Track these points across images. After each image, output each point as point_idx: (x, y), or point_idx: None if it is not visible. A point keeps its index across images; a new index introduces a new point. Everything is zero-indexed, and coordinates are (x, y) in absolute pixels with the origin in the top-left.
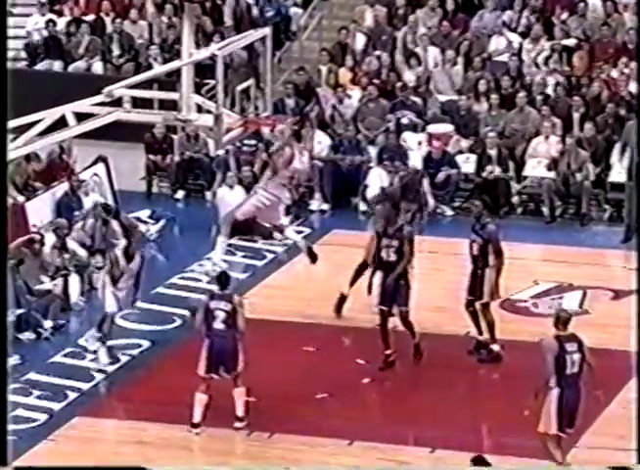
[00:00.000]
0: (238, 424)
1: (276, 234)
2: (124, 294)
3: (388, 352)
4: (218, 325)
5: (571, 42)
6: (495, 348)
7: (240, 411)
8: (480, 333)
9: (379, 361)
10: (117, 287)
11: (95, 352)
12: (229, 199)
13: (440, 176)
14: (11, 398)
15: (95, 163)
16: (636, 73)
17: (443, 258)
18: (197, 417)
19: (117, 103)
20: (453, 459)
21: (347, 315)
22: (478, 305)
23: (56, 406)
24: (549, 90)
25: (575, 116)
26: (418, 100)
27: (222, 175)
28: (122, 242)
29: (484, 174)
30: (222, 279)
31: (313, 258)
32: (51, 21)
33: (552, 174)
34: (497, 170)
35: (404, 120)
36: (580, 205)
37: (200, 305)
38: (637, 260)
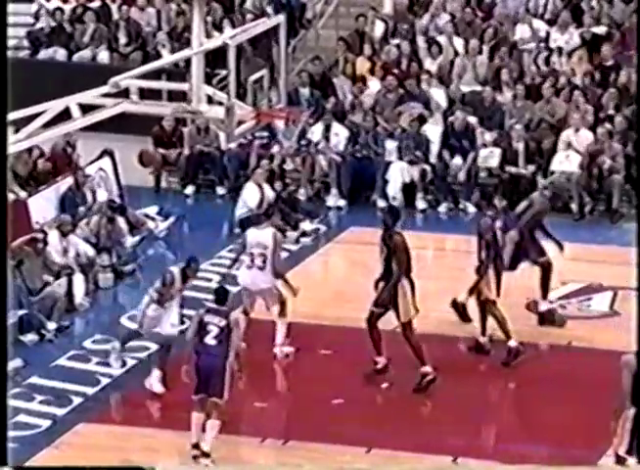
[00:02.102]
0: (203, 460)
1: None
2: (165, 314)
3: (378, 358)
4: (210, 341)
5: (600, 30)
6: (512, 344)
7: (207, 446)
8: (483, 333)
9: (398, 366)
10: (163, 306)
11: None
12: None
13: (462, 175)
14: (12, 403)
15: (101, 156)
16: None
17: (464, 256)
18: (194, 437)
19: (124, 94)
20: (476, 468)
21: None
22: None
23: (59, 412)
24: (577, 80)
25: (607, 107)
26: (428, 90)
27: (236, 171)
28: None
29: (507, 169)
30: (220, 294)
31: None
32: (58, 8)
33: (577, 168)
34: (530, 168)
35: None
36: (611, 201)
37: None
38: (637, 260)
